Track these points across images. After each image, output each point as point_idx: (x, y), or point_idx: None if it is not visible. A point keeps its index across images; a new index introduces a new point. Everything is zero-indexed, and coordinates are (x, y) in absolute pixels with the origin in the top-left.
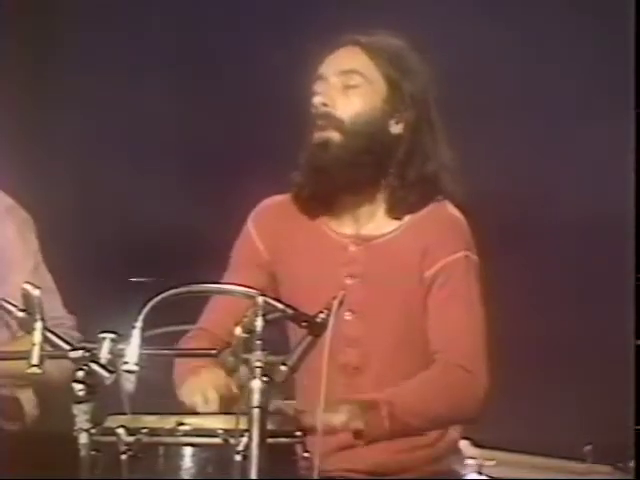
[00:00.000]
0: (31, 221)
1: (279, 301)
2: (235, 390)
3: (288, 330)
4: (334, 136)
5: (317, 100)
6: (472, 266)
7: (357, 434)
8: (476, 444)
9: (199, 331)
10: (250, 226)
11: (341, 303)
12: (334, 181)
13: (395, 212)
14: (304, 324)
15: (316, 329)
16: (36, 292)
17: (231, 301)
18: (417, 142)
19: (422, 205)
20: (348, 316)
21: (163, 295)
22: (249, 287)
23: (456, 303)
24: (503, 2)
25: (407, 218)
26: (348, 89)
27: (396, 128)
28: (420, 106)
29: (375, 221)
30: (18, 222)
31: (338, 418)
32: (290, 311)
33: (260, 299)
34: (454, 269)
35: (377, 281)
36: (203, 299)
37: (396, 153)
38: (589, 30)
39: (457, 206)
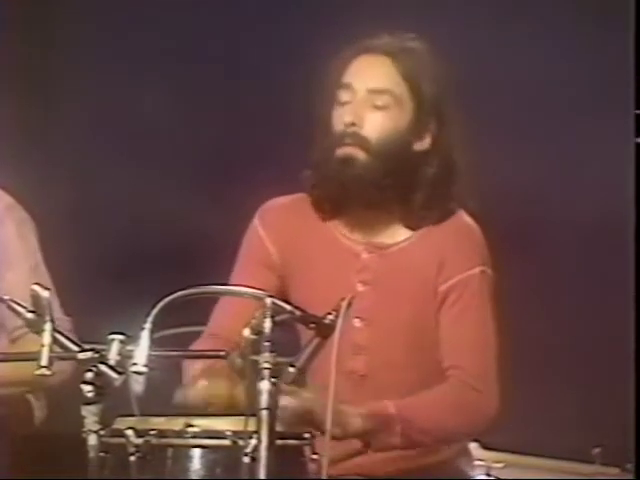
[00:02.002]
0: (30, 220)
1: (287, 302)
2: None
3: (299, 332)
4: (359, 154)
5: (346, 119)
6: (486, 282)
7: (365, 443)
8: (485, 446)
9: (211, 336)
10: (259, 228)
11: (349, 305)
12: (354, 198)
13: (414, 226)
14: (312, 325)
15: (324, 330)
16: (45, 293)
17: (242, 305)
18: (443, 157)
19: (443, 220)
20: (357, 323)
21: (172, 296)
22: (259, 289)
23: (469, 320)
24: (502, 5)
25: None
26: (377, 109)
27: (420, 145)
28: (444, 117)
29: (389, 229)
30: (17, 221)
31: (354, 424)
32: (298, 312)
33: (268, 300)
34: (468, 285)
35: (388, 290)
36: (211, 300)
37: (422, 171)
38: (590, 30)
39: (472, 215)
